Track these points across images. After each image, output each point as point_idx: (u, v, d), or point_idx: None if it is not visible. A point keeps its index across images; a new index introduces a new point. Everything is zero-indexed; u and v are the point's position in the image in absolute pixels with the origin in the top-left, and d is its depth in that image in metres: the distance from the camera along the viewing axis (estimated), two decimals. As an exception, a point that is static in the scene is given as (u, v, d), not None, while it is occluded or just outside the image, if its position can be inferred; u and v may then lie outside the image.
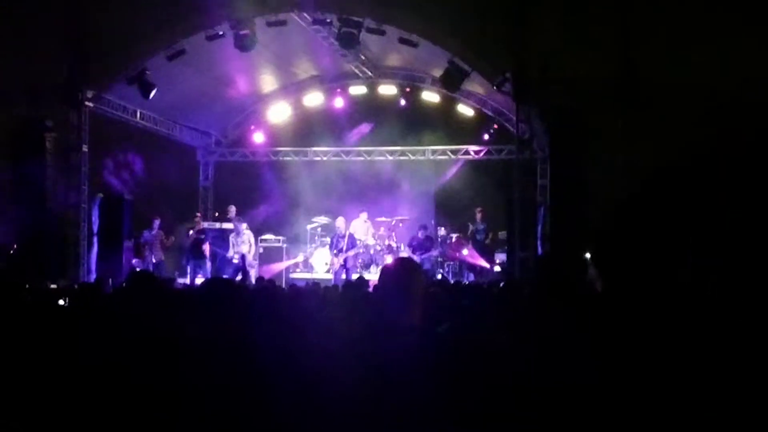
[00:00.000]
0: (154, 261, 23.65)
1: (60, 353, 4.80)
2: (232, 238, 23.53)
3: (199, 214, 25.67)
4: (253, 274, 22.69)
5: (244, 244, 23.28)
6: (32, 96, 20.81)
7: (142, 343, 4.59)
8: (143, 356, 4.43)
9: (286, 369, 4.54)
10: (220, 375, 4.23)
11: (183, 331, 4.62)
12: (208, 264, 23.94)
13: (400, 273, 4.44)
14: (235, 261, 23.07)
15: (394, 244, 25.66)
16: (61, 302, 9.66)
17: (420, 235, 24.11)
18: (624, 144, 20.07)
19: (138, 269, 21.51)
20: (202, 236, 23.60)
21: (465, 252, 24.55)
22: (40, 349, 4.85)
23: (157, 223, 23.94)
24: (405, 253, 24.30)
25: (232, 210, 25.71)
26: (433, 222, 25.29)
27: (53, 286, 16.70)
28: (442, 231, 24.59)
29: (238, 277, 22.22)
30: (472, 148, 27.50)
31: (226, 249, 23.51)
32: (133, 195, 22.96)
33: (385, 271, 4.63)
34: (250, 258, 23.16)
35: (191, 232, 23.81)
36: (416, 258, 22.85)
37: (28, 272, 18.19)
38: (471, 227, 24.86)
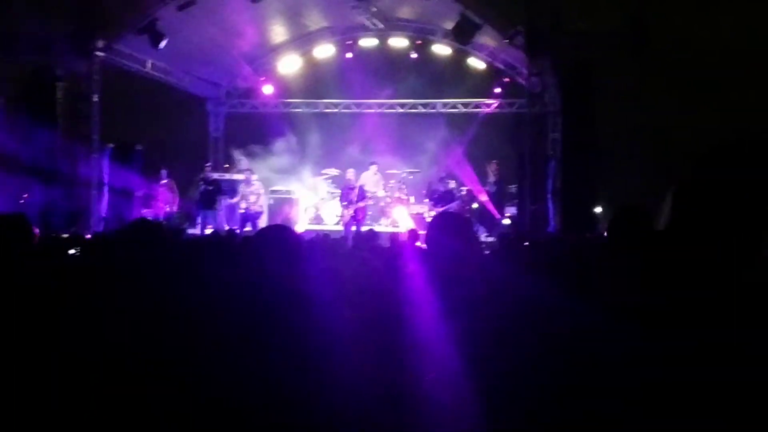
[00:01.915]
0: (166, 211, 23.70)
1: (69, 302, 4.80)
2: (241, 187, 23.55)
3: (208, 165, 25.66)
4: (261, 224, 22.77)
5: (252, 194, 23.30)
6: (43, 46, 20.75)
7: (143, 293, 4.58)
8: (145, 306, 4.42)
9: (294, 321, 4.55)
10: (225, 327, 4.22)
11: (183, 282, 4.61)
12: (219, 214, 23.96)
13: (458, 225, 4.35)
14: (241, 211, 23.13)
15: (404, 197, 25.65)
16: (71, 251, 9.67)
17: (441, 188, 24.04)
18: (636, 98, 20.03)
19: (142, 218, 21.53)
20: (212, 187, 23.58)
21: (475, 206, 24.54)
22: (49, 298, 4.84)
23: (164, 173, 23.94)
24: (424, 205, 24.26)
25: (241, 161, 25.71)
26: (443, 175, 25.20)
27: (65, 235, 16.76)
28: (452, 184, 24.51)
29: (247, 227, 22.32)
30: (484, 101, 27.43)
31: (234, 197, 23.56)
32: (143, 145, 22.93)
33: (441, 223, 4.54)
34: (257, 207, 23.22)
35: (201, 182, 23.79)
36: (435, 210, 22.88)
37: (38, 221, 18.22)
38: (485, 180, 24.86)
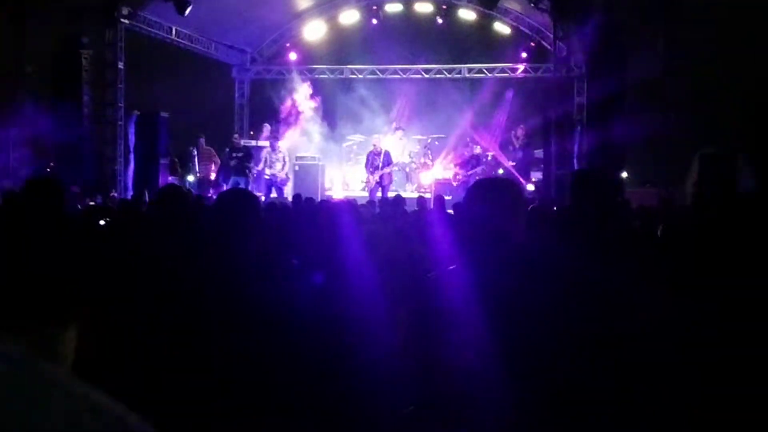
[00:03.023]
0: (193, 178, 23.79)
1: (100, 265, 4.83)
2: (265, 154, 23.56)
3: (236, 134, 25.74)
4: (288, 191, 22.83)
5: (278, 161, 23.31)
6: (69, 14, 20.80)
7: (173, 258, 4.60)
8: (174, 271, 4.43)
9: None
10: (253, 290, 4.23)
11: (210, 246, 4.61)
12: (249, 181, 24.02)
13: (504, 192, 4.12)
14: (267, 177, 23.16)
15: (429, 162, 25.65)
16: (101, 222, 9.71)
17: (466, 153, 23.98)
18: (665, 61, 19.88)
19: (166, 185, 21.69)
20: (241, 154, 23.63)
21: (501, 171, 24.48)
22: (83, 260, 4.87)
23: (202, 140, 24.00)
24: (450, 170, 24.22)
25: (267, 128, 25.75)
26: (469, 140, 25.14)
27: (91, 202, 16.86)
28: (478, 149, 24.42)
29: (273, 194, 22.36)
30: (509, 66, 27.33)
31: (257, 164, 23.59)
32: (169, 112, 22.96)
33: (488, 186, 4.28)
34: (283, 175, 23.24)
35: (230, 150, 23.87)
36: (462, 174, 22.87)
37: (64, 189, 18.29)
38: (513, 144, 24.82)
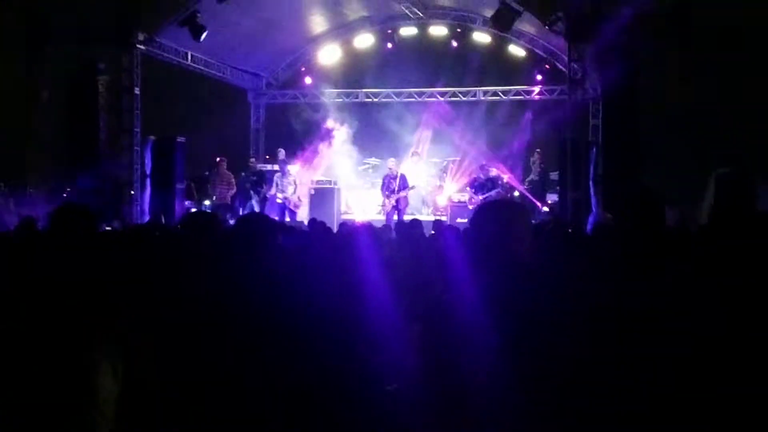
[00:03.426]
0: (209, 202, 23.80)
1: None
2: (277, 178, 23.60)
3: (252, 158, 25.86)
4: (303, 215, 22.89)
5: (290, 185, 23.35)
6: (85, 39, 20.92)
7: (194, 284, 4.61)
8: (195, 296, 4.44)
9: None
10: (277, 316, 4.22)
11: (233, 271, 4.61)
12: (254, 204, 24.05)
13: (509, 213, 4.20)
14: (279, 201, 23.19)
15: (445, 185, 25.67)
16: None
17: (482, 176, 23.95)
18: (679, 84, 19.86)
19: (193, 210, 21.73)
20: (255, 178, 23.70)
21: (516, 193, 24.47)
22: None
23: (223, 164, 24.03)
24: (467, 194, 24.18)
25: (282, 153, 25.82)
26: (484, 163, 25.13)
27: (107, 228, 16.88)
28: (494, 172, 24.41)
29: (287, 218, 22.39)
30: (524, 89, 27.34)
31: (271, 189, 23.63)
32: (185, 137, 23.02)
33: (487, 211, 4.33)
34: (295, 198, 23.27)
35: (245, 174, 23.93)
36: (477, 198, 22.83)
37: (81, 215, 18.33)
38: (530, 167, 24.88)
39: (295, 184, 23.48)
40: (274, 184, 23.46)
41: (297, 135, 27.39)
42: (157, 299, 4.52)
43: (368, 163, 26.94)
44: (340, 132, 27.19)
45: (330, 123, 27.34)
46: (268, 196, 23.74)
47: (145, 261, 5.87)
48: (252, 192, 23.78)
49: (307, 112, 28.11)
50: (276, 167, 25.27)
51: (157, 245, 7.86)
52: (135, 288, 4.70)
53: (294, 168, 24.09)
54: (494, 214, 4.13)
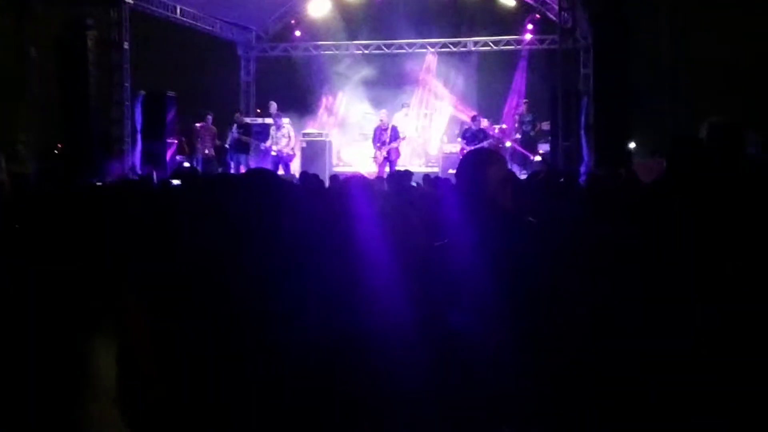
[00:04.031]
0: (202, 156, 23.75)
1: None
2: (271, 131, 23.58)
3: (239, 111, 25.79)
4: (295, 167, 22.90)
5: (283, 137, 23.33)
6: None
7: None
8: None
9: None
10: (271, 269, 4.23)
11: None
12: (249, 158, 24.02)
13: (487, 161, 4.31)
14: (273, 153, 23.17)
15: (435, 136, 25.73)
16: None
17: (473, 126, 23.92)
18: (669, 32, 19.84)
19: (184, 165, 21.68)
20: (243, 130, 23.69)
21: (508, 144, 24.47)
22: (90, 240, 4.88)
23: (210, 117, 23.98)
24: (458, 144, 24.17)
25: (273, 106, 25.74)
26: (475, 114, 25.09)
27: (99, 183, 16.87)
28: (485, 123, 24.39)
29: (280, 171, 22.39)
30: (515, 38, 27.26)
31: (265, 141, 23.60)
32: (175, 92, 22.95)
33: (467, 162, 4.47)
34: (289, 150, 23.26)
35: (234, 128, 23.85)
36: (468, 148, 22.83)
37: (73, 170, 18.33)
38: (518, 118, 24.82)
39: (289, 137, 23.44)
40: (270, 137, 23.44)
41: (288, 88, 27.32)
42: (157, 256, 4.53)
43: (363, 113, 26.88)
44: (331, 86, 27.17)
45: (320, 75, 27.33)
46: (262, 148, 23.70)
47: (141, 216, 5.88)
48: (243, 145, 23.73)
49: (298, 65, 28.04)
50: (267, 120, 25.21)
51: (150, 199, 7.87)
52: (133, 247, 4.71)
53: (286, 121, 24.03)
54: (470, 162, 4.26)
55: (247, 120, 25.36)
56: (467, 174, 4.27)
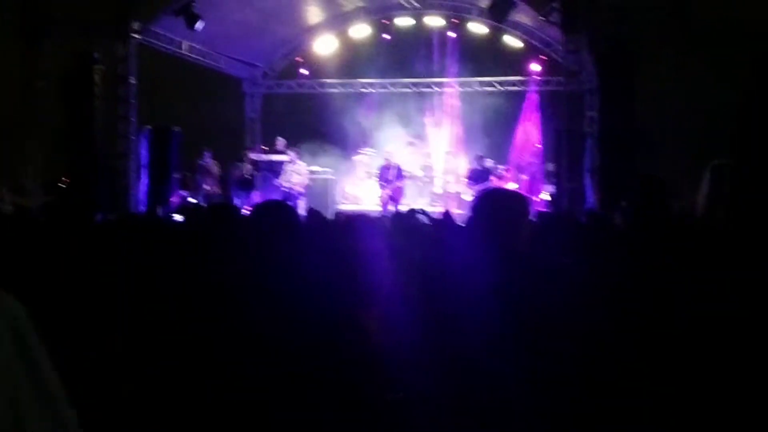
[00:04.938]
0: (204, 192, 23.77)
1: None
2: (286, 166, 23.64)
3: (248, 149, 25.96)
4: (301, 205, 22.89)
5: (296, 174, 23.39)
6: (80, 29, 20.90)
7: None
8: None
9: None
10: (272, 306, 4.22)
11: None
12: (255, 194, 24.05)
13: (507, 202, 4.26)
14: (284, 189, 23.22)
15: (442, 176, 25.75)
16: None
17: (478, 166, 23.95)
18: (676, 76, 19.85)
19: (189, 200, 21.76)
20: (250, 167, 23.80)
21: (513, 185, 24.47)
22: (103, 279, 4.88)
23: (208, 154, 24.04)
24: (461, 184, 24.18)
25: (281, 141, 25.78)
26: (480, 154, 25.13)
27: (106, 217, 16.85)
28: (490, 163, 24.43)
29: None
30: (520, 79, 27.32)
31: (277, 177, 23.65)
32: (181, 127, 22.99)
33: (489, 199, 4.44)
34: (299, 188, 23.31)
35: (244, 165, 23.96)
36: (473, 188, 22.83)
37: (78, 205, 18.32)
38: (526, 159, 24.90)
39: (300, 174, 23.52)
40: (283, 173, 23.51)
41: (293, 125, 27.40)
42: (167, 293, 4.52)
43: (364, 153, 26.91)
44: (335, 122, 27.23)
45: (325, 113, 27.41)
46: (274, 183, 23.76)
47: (151, 252, 5.86)
48: (249, 183, 23.78)
49: (304, 103, 28.15)
50: (283, 157, 25.21)
51: (159, 236, 7.86)
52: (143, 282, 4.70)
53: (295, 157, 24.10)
54: (495, 202, 4.20)
55: (260, 156, 25.48)
56: (485, 213, 4.21)
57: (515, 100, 27.33)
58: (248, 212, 5.83)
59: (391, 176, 22.92)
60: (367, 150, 27.00)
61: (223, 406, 3.95)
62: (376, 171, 24.07)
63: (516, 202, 4.27)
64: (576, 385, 3.73)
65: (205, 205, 20.32)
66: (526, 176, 24.34)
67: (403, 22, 27.71)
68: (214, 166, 24.16)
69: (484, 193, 4.64)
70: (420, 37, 27.80)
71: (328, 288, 4.39)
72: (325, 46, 28.84)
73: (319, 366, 4.03)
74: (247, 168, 23.87)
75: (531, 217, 4.38)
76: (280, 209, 4.78)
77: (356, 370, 4.16)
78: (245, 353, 4.01)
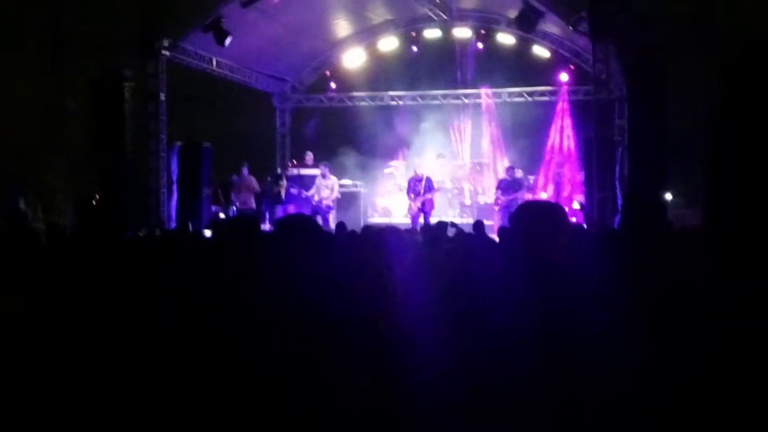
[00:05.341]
0: (235, 208, 23.82)
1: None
2: (318, 180, 23.69)
3: (289, 163, 26.15)
4: (332, 219, 22.91)
5: (327, 188, 23.43)
6: (110, 47, 21.05)
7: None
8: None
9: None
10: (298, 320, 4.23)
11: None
12: (288, 207, 24.08)
13: (546, 213, 4.25)
14: (315, 203, 23.26)
15: (471, 187, 25.67)
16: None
17: (508, 176, 23.91)
18: (704, 83, 19.76)
19: (220, 215, 21.86)
20: (282, 182, 23.90)
21: (543, 195, 24.44)
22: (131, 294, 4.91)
23: (245, 168, 24.08)
24: (492, 194, 24.14)
25: (310, 156, 25.84)
26: (511, 165, 25.09)
27: (138, 234, 16.97)
28: (519, 173, 24.39)
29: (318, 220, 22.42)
30: (549, 89, 27.28)
31: (307, 191, 23.70)
32: (211, 143, 23.08)
33: (527, 212, 4.40)
34: (329, 202, 23.34)
35: (275, 179, 24.05)
36: (504, 199, 22.80)
37: (109, 221, 18.42)
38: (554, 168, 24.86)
39: (332, 189, 23.56)
40: (315, 187, 23.57)
41: (323, 139, 27.50)
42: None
43: (394, 166, 26.94)
44: (365, 135, 27.27)
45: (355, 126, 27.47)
46: (304, 196, 23.79)
47: (182, 268, 5.89)
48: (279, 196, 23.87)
49: (333, 116, 28.23)
50: (303, 171, 25.31)
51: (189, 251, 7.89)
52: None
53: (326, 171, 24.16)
54: (534, 214, 4.18)
55: (291, 170, 25.60)
56: (522, 226, 4.20)
57: (544, 109, 27.31)
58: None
59: (420, 188, 22.88)
60: (396, 162, 27.02)
61: (256, 417, 3.96)
62: (405, 183, 24.05)
63: (555, 213, 4.24)
64: (615, 407, 3.71)
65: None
66: (556, 185, 24.27)
67: (432, 34, 27.70)
68: (253, 181, 24.18)
69: (522, 206, 4.62)
70: (448, 49, 27.79)
71: (351, 300, 4.40)
72: (353, 59, 28.90)
73: (338, 380, 4.04)
74: (284, 183, 23.93)
75: (569, 228, 4.35)
76: (301, 222, 4.78)
77: (377, 389, 4.16)
78: (265, 361, 4.03)
